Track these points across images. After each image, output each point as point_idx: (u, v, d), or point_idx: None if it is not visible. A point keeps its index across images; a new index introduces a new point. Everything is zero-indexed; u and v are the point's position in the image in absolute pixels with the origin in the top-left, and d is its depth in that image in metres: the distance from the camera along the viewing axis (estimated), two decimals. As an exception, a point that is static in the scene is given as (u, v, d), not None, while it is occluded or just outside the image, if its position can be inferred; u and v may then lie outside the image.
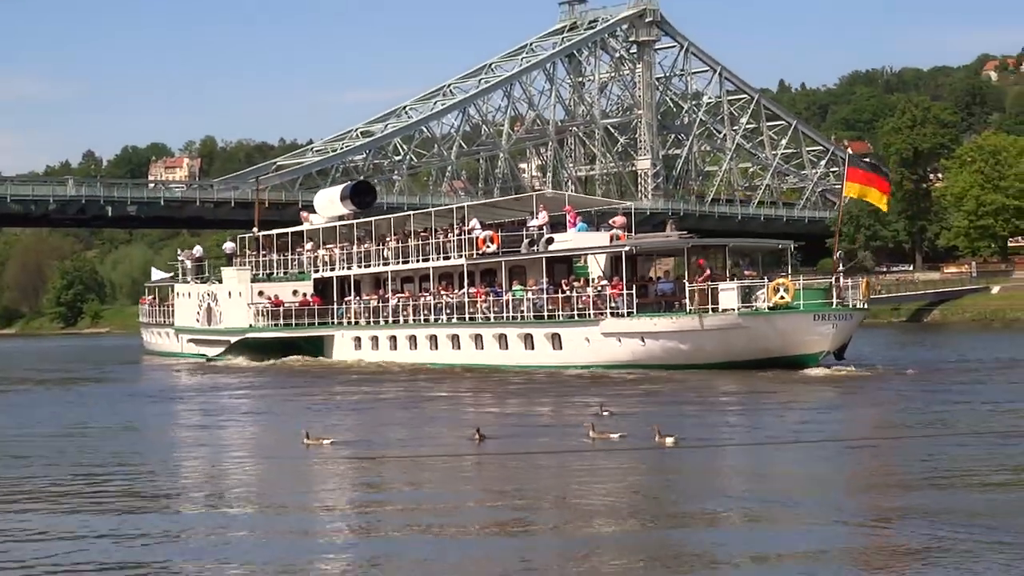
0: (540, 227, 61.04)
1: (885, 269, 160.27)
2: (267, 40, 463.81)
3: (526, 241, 61.10)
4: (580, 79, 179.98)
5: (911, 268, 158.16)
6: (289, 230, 78.60)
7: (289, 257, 75.42)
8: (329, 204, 77.52)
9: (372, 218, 72.75)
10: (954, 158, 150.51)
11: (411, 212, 72.95)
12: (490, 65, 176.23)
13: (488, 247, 61.51)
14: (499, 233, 62.48)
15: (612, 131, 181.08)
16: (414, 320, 64.53)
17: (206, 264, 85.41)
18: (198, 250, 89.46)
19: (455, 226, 65.27)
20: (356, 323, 68.34)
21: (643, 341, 52.43)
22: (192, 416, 38.36)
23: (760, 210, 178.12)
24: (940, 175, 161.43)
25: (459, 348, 61.39)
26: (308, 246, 74.77)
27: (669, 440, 25.96)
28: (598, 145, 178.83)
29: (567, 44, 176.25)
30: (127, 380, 59.48)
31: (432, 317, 63.45)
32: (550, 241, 60.06)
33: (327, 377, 56.61)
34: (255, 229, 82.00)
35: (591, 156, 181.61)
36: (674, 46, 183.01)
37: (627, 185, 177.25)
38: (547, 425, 32.26)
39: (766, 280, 51.80)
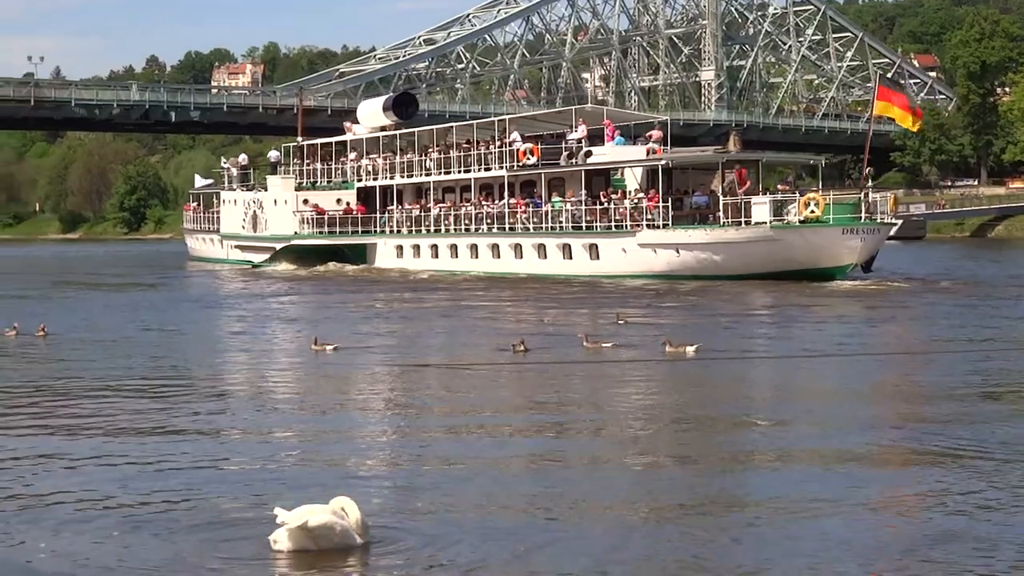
0: (579, 140, 61.84)
1: (950, 184, 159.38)
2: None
3: (565, 154, 62.00)
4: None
5: (976, 183, 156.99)
6: (333, 139, 79.33)
7: (333, 166, 76.30)
8: (372, 115, 78.59)
9: (415, 129, 73.65)
10: (1021, 72, 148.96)
11: (453, 124, 73.92)
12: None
13: (528, 159, 62.54)
14: (539, 146, 63.40)
15: (676, 41, 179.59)
16: (455, 229, 65.72)
17: (251, 172, 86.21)
18: (243, 158, 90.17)
19: (496, 138, 66.11)
20: (399, 232, 69.54)
21: (678, 252, 53.85)
22: (235, 323, 38.69)
23: (825, 122, 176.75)
24: (1007, 89, 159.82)
25: (499, 257, 62.49)
26: (352, 156, 75.55)
27: (690, 349, 26.08)
28: (662, 55, 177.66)
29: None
30: (177, 286, 60.17)
31: (473, 227, 64.52)
32: (588, 154, 60.93)
33: (372, 284, 57.44)
34: (300, 138, 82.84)
35: (655, 66, 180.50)
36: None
37: (691, 96, 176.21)
38: (557, 335, 32.15)
39: (798, 194, 52.93)
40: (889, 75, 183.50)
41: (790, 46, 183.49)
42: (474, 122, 73.16)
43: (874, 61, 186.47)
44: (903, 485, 13.89)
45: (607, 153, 60.93)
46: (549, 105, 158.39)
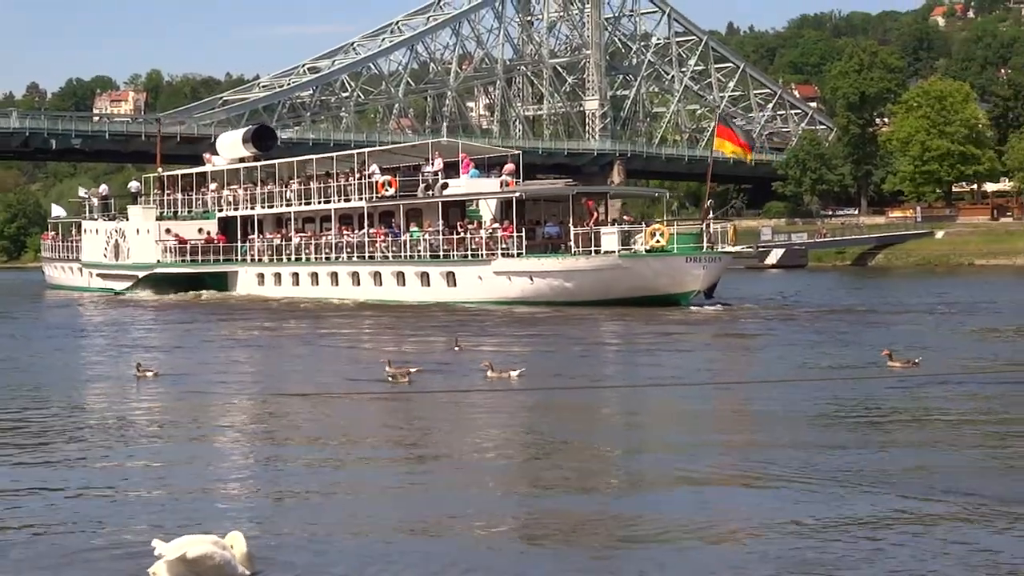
0: (435, 172, 64.25)
1: (831, 213, 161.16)
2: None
3: (422, 186, 64.28)
4: (529, 18, 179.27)
5: (856, 212, 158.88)
6: (193, 170, 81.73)
7: (194, 196, 77.92)
8: (232, 146, 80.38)
9: (275, 160, 76.44)
10: (900, 103, 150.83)
11: (312, 156, 75.58)
12: (439, 3, 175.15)
13: (387, 191, 64.99)
14: (397, 177, 65.75)
15: (560, 71, 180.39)
16: (316, 258, 68.13)
17: (112, 202, 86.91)
18: (104, 188, 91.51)
19: (356, 170, 68.67)
20: (259, 260, 71.66)
21: (531, 279, 56.65)
22: (91, 351, 38.60)
23: (706, 151, 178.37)
24: (886, 120, 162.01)
25: (359, 285, 64.84)
26: (212, 186, 77.17)
27: (513, 374, 26.52)
28: (546, 85, 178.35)
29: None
30: (36, 316, 60.06)
31: (334, 255, 66.98)
32: (445, 186, 63.17)
33: (232, 311, 58.79)
34: (159, 169, 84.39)
35: (539, 96, 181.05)
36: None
37: (575, 125, 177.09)
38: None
39: (643, 225, 57.01)
40: (770, 105, 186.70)
41: (673, 76, 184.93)
42: (333, 154, 74.68)
43: (755, 91, 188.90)
44: (752, 508, 14.07)
45: (463, 185, 63.32)
46: (435, 134, 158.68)
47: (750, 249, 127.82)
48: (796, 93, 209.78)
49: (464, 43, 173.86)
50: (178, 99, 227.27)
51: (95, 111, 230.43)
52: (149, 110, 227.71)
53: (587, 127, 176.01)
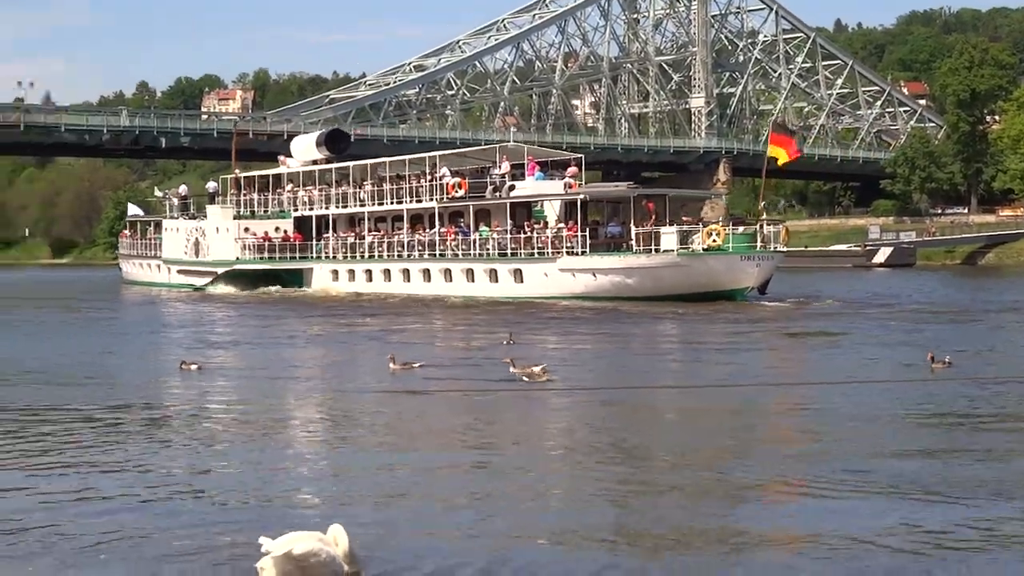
0: (503, 175, 67.67)
1: (940, 211, 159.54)
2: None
3: (491, 187, 67.84)
4: (635, 15, 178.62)
5: (966, 211, 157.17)
6: (269, 172, 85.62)
7: (269, 197, 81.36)
8: (306, 149, 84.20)
9: (349, 163, 79.70)
10: (1011, 100, 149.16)
11: (385, 159, 78.98)
12: (544, 1, 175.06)
13: (457, 192, 68.73)
14: (467, 180, 69.46)
15: (666, 68, 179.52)
16: (388, 255, 71.27)
17: (191, 202, 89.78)
18: (183, 188, 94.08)
19: (427, 172, 71.79)
20: (334, 257, 74.93)
21: (594, 276, 59.90)
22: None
23: (815, 149, 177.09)
24: (997, 117, 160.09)
25: (429, 280, 68.00)
26: (288, 187, 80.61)
27: (536, 370, 26.35)
28: (652, 82, 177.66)
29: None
30: (135, 312, 61.12)
31: (406, 253, 70.15)
32: (512, 188, 66.53)
33: (309, 306, 60.56)
34: (236, 170, 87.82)
35: (644, 93, 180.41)
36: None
37: (681, 123, 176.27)
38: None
39: (701, 225, 59.74)
40: (878, 102, 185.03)
41: (780, 73, 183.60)
42: (406, 157, 77.93)
43: (863, 88, 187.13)
44: (861, 517, 13.68)
45: (529, 187, 66.48)
46: (540, 132, 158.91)
47: (857, 248, 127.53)
48: (905, 90, 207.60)
49: (570, 41, 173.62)
50: (285, 97, 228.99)
51: (203, 109, 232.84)
52: (256, 108, 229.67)
53: (693, 125, 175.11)
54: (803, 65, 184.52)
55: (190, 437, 19.53)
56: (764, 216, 60.44)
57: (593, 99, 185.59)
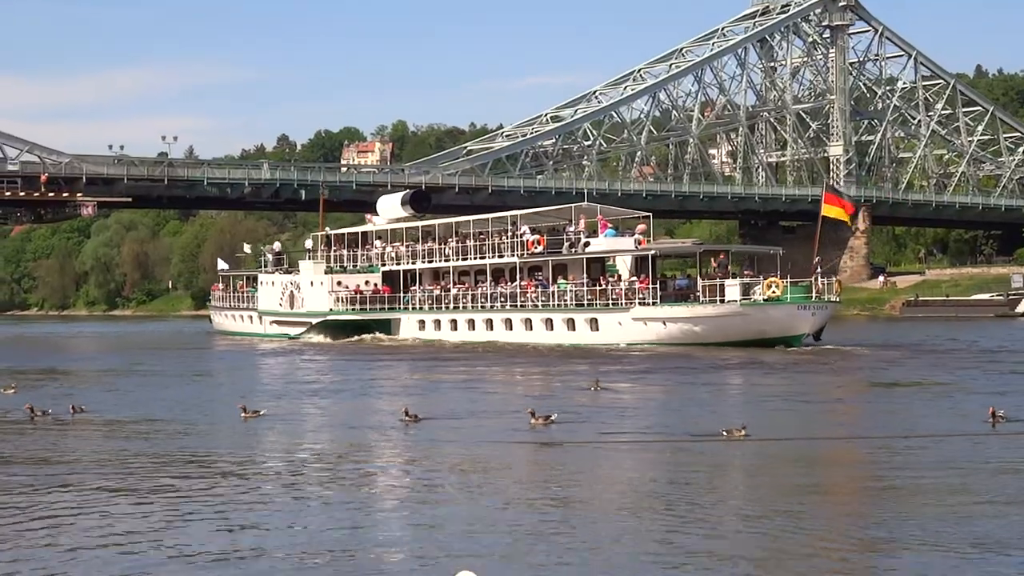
0: (578, 232, 75.17)
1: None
2: (454, 23, 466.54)
3: (567, 244, 75.37)
4: (772, 64, 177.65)
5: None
6: (358, 229, 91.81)
7: (357, 252, 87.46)
8: (391, 208, 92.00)
9: (433, 221, 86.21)
10: None
11: (469, 217, 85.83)
12: (681, 50, 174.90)
13: (536, 248, 76.00)
14: (544, 236, 77.13)
15: (804, 116, 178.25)
16: (472, 307, 77.87)
17: (284, 257, 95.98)
18: (277, 245, 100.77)
19: (507, 230, 78.62)
20: (421, 308, 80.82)
21: (664, 324, 66.57)
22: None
23: (955, 197, 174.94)
24: None
25: (511, 329, 74.53)
26: (377, 243, 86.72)
27: (551, 418, 28.50)
28: (789, 131, 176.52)
29: (759, 28, 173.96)
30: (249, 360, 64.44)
31: (488, 304, 76.64)
32: (587, 244, 74.30)
33: (398, 352, 66.17)
34: (326, 228, 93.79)
35: (782, 142, 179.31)
36: (868, 30, 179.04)
37: (819, 171, 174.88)
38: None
39: (761, 278, 65.40)
40: (1020, 149, 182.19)
41: (919, 121, 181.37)
42: (488, 216, 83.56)
43: (1005, 135, 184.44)
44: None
45: (602, 243, 74.19)
46: (677, 181, 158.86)
47: (999, 296, 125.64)
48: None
49: (706, 90, 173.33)
50: (423, 149, 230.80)
51: (343, 161, 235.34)
52: (395, 160, 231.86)
53: (832, 173, 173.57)
54: (943, 112, 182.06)
55: (352, 486, 20.55)
56: (819, 270, 64.90)
57: (730, 148, 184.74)
